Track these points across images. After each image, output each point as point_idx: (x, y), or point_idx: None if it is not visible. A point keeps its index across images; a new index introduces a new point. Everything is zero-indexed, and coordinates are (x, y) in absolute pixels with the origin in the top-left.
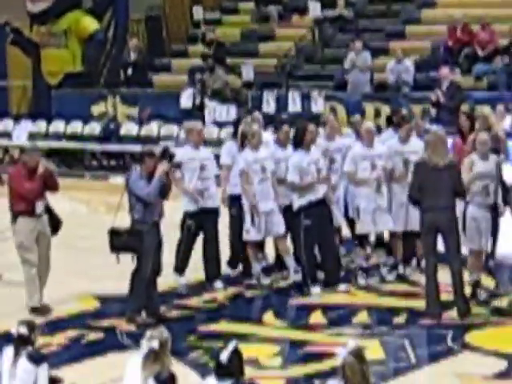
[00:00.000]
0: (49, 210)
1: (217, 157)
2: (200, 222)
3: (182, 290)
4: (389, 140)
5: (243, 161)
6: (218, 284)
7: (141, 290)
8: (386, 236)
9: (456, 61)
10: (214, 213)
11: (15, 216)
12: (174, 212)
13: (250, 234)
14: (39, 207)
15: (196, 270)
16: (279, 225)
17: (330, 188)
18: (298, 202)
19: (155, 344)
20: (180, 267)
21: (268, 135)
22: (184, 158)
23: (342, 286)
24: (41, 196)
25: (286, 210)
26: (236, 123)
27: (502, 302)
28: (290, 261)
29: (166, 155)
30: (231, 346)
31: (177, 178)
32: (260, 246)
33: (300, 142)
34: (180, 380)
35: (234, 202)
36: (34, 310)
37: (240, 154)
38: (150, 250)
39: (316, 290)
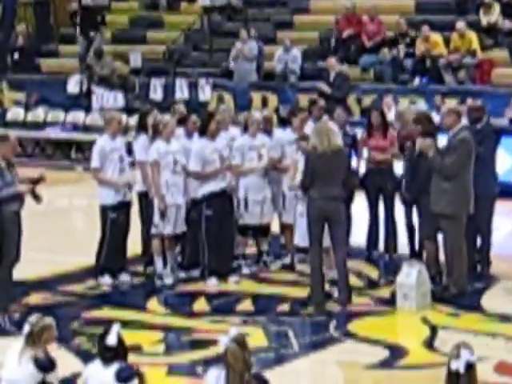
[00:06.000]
0: None
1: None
2: (119, 215)
3: (107, 288)
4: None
5: (156, 151)
6: (125, 277)
7: (7, 278)
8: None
9: (343, 51)
10: (128, 206)
11: None
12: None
13: (159, 228)
14: None
15: (81, 256)
16: (183, 223)
17: (234, 177)
18: (199, 191)
19: (27, 329)
20: (104, 267)
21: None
22: (106, 150)
23: (233, 278)
24: None
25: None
26: (143, 116)
27: (384, 292)
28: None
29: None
30: (115, 329)
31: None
32: (174, 240)
33: (204, 130)
34: (63, 366)
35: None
36: None
37: (151, 145)
38: (13, 238)
39: (213, 281)
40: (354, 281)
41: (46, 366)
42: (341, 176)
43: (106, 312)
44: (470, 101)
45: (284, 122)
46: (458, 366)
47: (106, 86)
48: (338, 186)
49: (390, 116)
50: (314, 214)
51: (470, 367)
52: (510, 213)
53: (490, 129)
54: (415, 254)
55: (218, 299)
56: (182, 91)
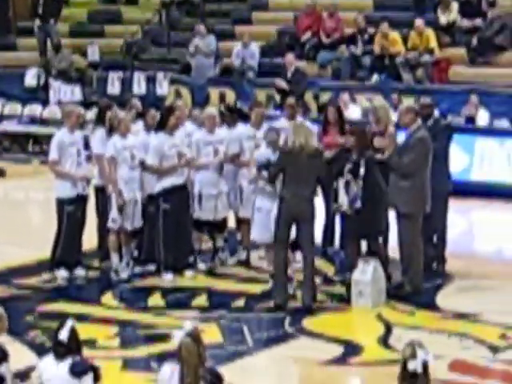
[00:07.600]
0: None
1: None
2: (76, 208)
3: (62, 282)
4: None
5: (112, 147)
6: (80, 271)
7: None
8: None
9: (301, 47)
10: (85, 200)
11: None
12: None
13: (116, 222)
14: None
15: (37, 249)
16: (140, 218)
17: (192, 172)
18: (157, 186)
19: None
20: (60, 260)
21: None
22: (65, 143)
23: (189, 273)
24: None
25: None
26: (102, 109)
27: (339, 289)
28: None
29: None
30: (69, 324)
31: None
32: (132, 235)
33: (163, 125)
34: (17, 359)
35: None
36: None
37: (109, 140)
38: None
39: (168, 276)
40: None
41: None
42: (314, 177)
43: (60, 305)
44: (421, 98)
45: (244, 117)
46: (416, 366)
47: (63, 79)
48: (310, 186)
49: (347, 113)
50: (284, 214)
51: (426, 366)
52: (466, 211)
53: (441, 125)
54: (371, 251)
55: (173, 294)
56: (139, 86)
